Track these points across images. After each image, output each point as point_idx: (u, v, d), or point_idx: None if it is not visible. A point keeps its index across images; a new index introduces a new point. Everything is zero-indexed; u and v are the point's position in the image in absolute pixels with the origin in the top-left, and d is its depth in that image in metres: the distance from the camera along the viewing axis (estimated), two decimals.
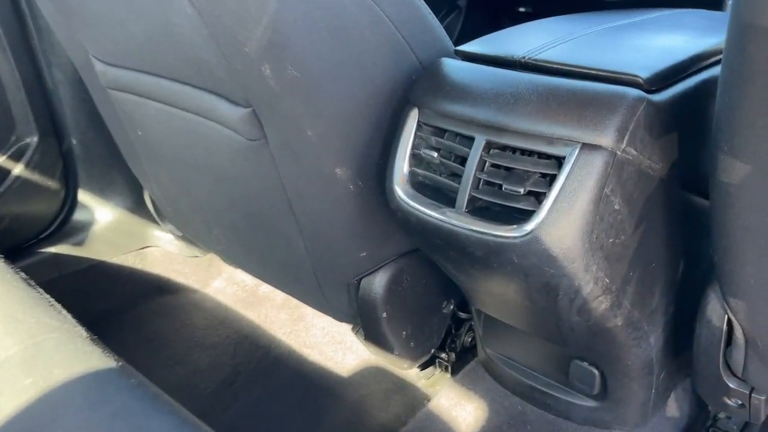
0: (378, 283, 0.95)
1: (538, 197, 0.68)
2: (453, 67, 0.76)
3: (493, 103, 0.70)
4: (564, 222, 0.65)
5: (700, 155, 0.79)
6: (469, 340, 1.14)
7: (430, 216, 0.73)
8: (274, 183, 0.90)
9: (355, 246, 0.91)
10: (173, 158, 1.09)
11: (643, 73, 0.68)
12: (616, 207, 0.67)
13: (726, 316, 0.78)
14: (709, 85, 0.76)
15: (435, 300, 1.05)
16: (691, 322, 0.88)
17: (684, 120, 0.73)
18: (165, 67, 0.94)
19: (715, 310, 0.78)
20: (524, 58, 0.73)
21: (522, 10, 1.92)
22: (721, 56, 0.81)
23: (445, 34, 0.86)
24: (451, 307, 1.08)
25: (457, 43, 0.86)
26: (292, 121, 0.79)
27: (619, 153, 0.65)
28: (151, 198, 1.39)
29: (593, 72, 0.69)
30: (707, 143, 0.79)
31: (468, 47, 0.80)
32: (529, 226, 0.66)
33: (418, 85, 0.78)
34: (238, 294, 1.51)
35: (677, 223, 0.79)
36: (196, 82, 0.92)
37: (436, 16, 0.86)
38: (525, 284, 0.71)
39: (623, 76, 0.68)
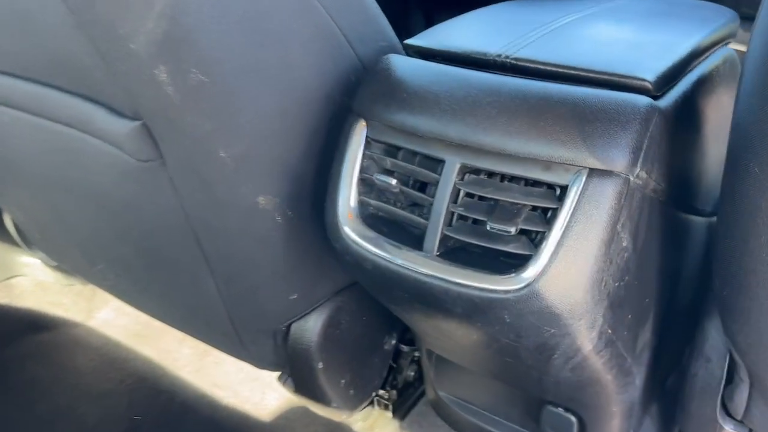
0: (312, 328, 0.78)
1: (532, 236, 0.53)
2: (408, 66, 0.60)
3: (469, 116, 0.54)
4: (570, 271, 0.51)
5: (697, 168, 0.68)
6: (412, 374, 1.00)
7: (391, 263, 0.56)
8: (175, 214, 0.70)
9: (284, 289, 0.73)
10: (39, 178, 0.86)
11: (649, 75, 0.55)
12: (624, 244, 0.54)
13: (728, 354, 0.68)
14: (701, 85, 0.65)
15: (376, 337, 0.89)
16: (673, 352, 0.78)
17: (683, 128, 0.62)
18: (22, 65, 0.73)
19: (715, 348, 0.68)
20: (501, 56, 0.57)
21: None
22: (713, 50, 0.71)
23: (389, 24, 0.69)
24: (393, 341, 0.92)
25: None
26: (198, 138, 0.60)
27: (632, 179, 0.52)
28: (13, 221, 1.14)
29: (592, 75, 0.55)
30: (704, 154, 0.68)
31: (422, 41, 0.64)
32: (526, 277, 0.51)
33: (364, 89, 0.61)
34: (131, 326, 1.29)
35: (672, 250, 0.67)
36: (64, 84, 0.71)
37: None
38: (515, 344, 0.56)
39: (629, 80, 0.54)
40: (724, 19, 0.75)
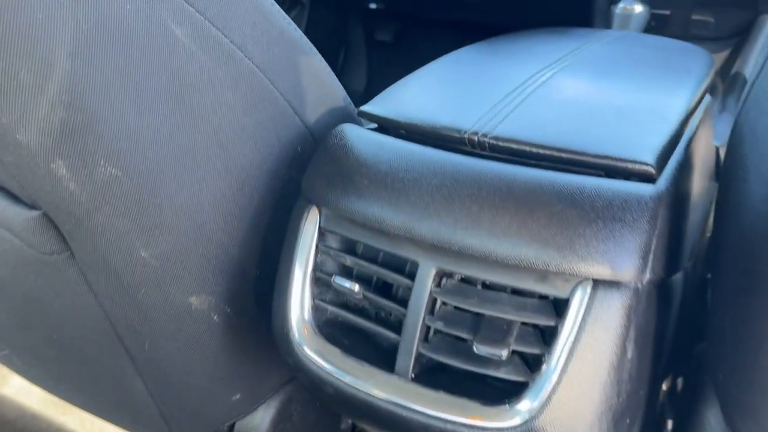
0: (258, 425, 0.68)
1: (526, 357, 0.45)
2: (367, 143, 0.50)
3: (444, 211, 0.45)
4: (575, 403, 0.42)
5: (686, 235, 0.61)
6: None
7: (356, 389, 0.47)
8: (91, 312, 0.59)
9: (225, 390, 0.63)
10: None
11: (650, 156, 0.47)
12: (630, 356, 0.46)
13: None
14: (689, 147, 0.58)
15: (333, 420, 0.79)
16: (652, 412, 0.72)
17: (678, 204, 0.54)
18: None
19: None
20: (478, 133, 0.48)
21: (373, 6, 1.69)
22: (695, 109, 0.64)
23: (339, 84, 0.59)
24: (350, 421, 0.83)
25: None
26: (112, 238, 0.49)
27: (641, 286, 0.44)
28: None
29: (587, 159, 0.46)
30: (691, 218, 0.62)
31: (381, 109, 0.54)
32: (523, 410, 0.43)
33: (315, 170, 0.51)
34: (50, 395, 1.14)
35: (661, 321, 0.61)
36: None
37: None
38: None
39: (629, 165, 0.46)
40: (705, 66, 0.69)
